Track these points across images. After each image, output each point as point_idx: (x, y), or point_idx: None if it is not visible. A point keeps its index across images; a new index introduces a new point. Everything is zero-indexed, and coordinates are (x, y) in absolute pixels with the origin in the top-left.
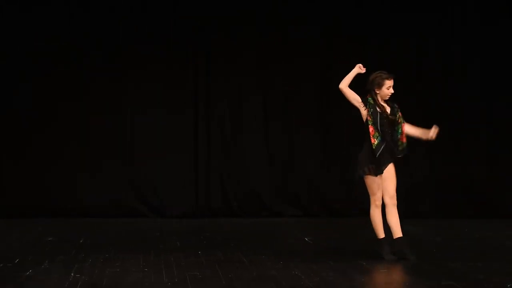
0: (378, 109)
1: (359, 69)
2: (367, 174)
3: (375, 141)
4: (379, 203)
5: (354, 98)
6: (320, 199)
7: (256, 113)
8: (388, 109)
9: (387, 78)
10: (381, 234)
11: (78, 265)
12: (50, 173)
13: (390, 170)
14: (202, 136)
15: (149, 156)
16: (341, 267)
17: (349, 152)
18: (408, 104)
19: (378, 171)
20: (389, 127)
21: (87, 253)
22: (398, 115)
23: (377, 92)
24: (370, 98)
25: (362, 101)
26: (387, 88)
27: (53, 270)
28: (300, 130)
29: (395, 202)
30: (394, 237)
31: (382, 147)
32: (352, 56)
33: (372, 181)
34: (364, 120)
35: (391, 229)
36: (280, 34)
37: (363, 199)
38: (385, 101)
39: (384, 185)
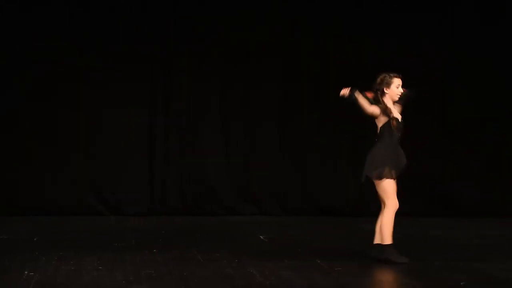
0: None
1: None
2: (389, 177)
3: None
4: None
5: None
6: (277, 198)
7: (215, 111)
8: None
9: (396, 77)
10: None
11: (32, 263)
12: (12, 172)
13: None
14: (159, 134)
15: (107, 154)
16: (297, 265)
17: (307, 152)
18: None
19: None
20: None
21: (41, 251)
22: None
23: (386, 92)
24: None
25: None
26: (396, 87)
27: (6, 268)
28: (260, 129)
29: None
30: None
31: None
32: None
33: (391, 184)
34: (382, 121)
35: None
36: (243, 33)
37: (321, 198)
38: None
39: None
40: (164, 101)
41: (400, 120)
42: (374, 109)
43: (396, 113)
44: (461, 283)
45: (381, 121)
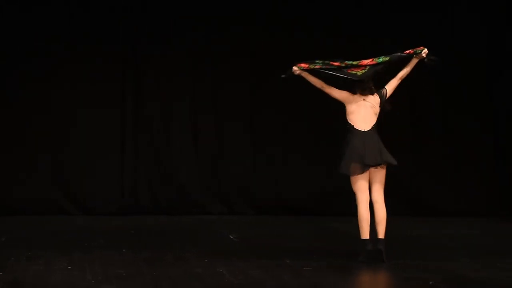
0: None
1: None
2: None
3: None
4: None
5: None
6: (248, 197)
7: (185, 110)
8: None
9: None
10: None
11: (0, 263)
12: None
13: None
14: (129, 133)
15: (77, 154)
16: (266, 264)
17: (277, 151)
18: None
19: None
20: None
21: (10, 251)
22: None
23: None
24: None
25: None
26: None
27: None
28: (229, 128)
29: None
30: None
31: None
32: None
33: None
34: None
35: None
36: (211, 33)
37: (291, 197)
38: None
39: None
40: (134, 101)
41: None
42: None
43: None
44: (430, 283)
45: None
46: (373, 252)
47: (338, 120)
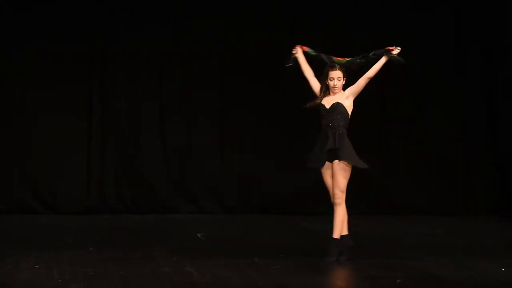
0: None
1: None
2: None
3: None
4: None
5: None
6: (215, 196)
7: (153, 110)
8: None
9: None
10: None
11: None
12: None
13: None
14: (97, 133)
15: (44, 153)
16: (234, 263)
17: (245, 150)
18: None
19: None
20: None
21: None
22: None
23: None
24: None
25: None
26: (330, 80)
27: None
28: (197, 127)
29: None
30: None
31: None
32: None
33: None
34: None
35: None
36: (179, 33)
37: (259, 195)
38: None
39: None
40: (102, 101)
41: (325, 104)
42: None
43: (325, 100)
44: (397, 281)
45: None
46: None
47: (307, 120)
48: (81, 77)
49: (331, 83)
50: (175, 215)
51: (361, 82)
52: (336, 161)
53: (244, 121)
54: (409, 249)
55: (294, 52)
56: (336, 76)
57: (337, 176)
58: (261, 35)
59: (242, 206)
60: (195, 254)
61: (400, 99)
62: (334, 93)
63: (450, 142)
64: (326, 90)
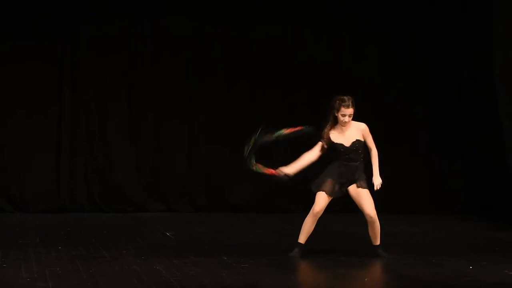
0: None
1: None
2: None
3: None
4: None
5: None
6: (185, 195)
7: (123, 108)
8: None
9: (343, 104)
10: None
11: None
12: None
13: None
14: (66, 131)
15: (12, 152)
16: (203, 262)
17: (215, 149)
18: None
19: None
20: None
21: None
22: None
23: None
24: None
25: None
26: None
27: None
28: (167, 126)
29: None
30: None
31: None
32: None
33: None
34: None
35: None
36: (149, 30)
37: (228, 194)
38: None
39: None
40: (71, 101)
41: (343, 143)
42: (316, 151)
43: (340, 137)
44: (365, 279)
45: None
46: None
47: (277, 118)
48: (50, 77)
49: (342, 118)
50: (144, 214)
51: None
52: None
53: (213, 120)
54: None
55: (281, 174)
56: (348, 113)
57: None
58: (230, 32)
59: (211, 205)
60: (164, 252)
61: (369, 97)
62: (343, 127)
63: (420, 140)
64: (333, 121)
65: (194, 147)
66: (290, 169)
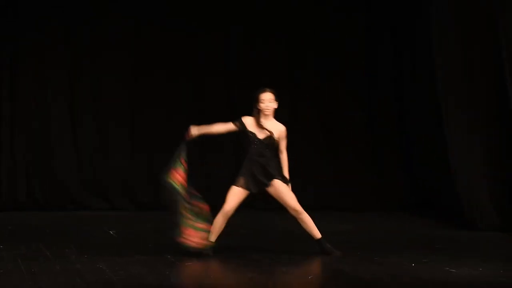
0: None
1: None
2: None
3: None
4: None
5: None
6: (128, 193)
7: (64, 106)
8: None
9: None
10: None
11: None
12: None
13: None
14: (5, 127)
15: None
16: (147, 260)
17: (157, 146)
18: None
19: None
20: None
21: None
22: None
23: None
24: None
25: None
26: (262, 102)
27: None
28: (109, 124)
29: None
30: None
31: None
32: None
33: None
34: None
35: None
36: (90, 29)
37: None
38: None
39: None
40: (10, 95)
41: (257, 134)
42: (227, 127)
43: (255, 128)
44: (309, 277)
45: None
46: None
47: (219, 116)
48: None
49: (263, 105)
50: (86, 212)
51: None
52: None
53: (155, 117)
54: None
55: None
56: (268, 98)
57: None
58: (175, 31)
59: (154, 203)
60: (107, 251)
61: (312, 99)
62: (266, 116)
63: (361, 137)
64: (258, 115)
65: (135, 144)
66: (197, 130)
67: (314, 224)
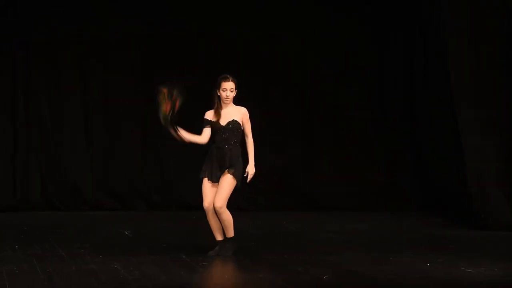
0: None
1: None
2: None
3: None
4: None
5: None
6: (139, 193)
7: (77, 107)
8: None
9: (223, 80)
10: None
11: None
12: None
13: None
14: (21, 129)
15: None
16: (161, 260)
17: (169, 148)
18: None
19: None
20: None
21: None
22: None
23: (219, 94)
24: None
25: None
26: (223, 90)
27: None
28: (121, 124)
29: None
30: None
31: None
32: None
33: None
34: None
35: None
36: (100, 29)
37: (184, 192)
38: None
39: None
40: (25, 96)
41: (219, 121)
42: (205, 133)
43: (216, 116)
44: (324, 277)
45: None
46: None
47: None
48: (5, 77)
49: (223, 94)
50: (99, 212)
51: (246, 131)
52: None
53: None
54: (331, 245)
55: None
56: (229, 87)
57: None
58: (187, 29)
59: (167, 203)
60: (122, 251)
61: (323, 97)
62: (226, 104)
63: (369, 137)
64: (218, 102)
65: (148, 145)
66: (185, 134)
67: (231, 225)
